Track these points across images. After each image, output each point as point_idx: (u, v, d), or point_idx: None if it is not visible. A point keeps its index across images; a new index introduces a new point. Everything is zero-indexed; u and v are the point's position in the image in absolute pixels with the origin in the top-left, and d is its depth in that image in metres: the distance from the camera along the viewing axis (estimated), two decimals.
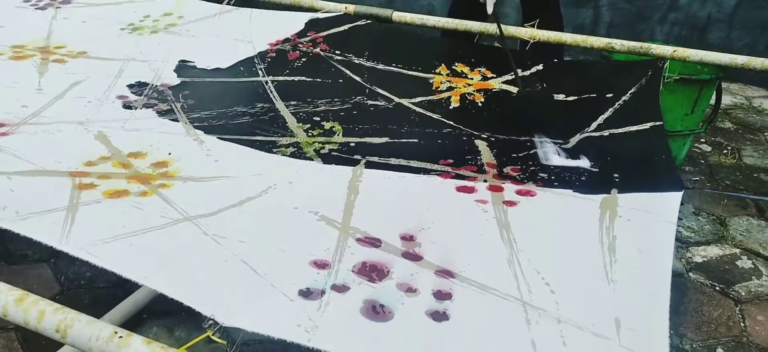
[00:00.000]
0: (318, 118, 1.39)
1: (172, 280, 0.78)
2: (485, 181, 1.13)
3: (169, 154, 1.18)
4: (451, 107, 1.50)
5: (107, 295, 1.39)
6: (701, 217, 1.86)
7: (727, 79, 2.81)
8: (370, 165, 1.20)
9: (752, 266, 1.65)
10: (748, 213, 1.89)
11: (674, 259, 1.69)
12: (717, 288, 1.57)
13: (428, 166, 1.21)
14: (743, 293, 1.54)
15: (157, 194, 0.99)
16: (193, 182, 1.09)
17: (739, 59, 1.56)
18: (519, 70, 1.60)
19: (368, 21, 1.80)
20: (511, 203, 1.04)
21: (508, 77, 1.60)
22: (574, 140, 1.34)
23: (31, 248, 1.53)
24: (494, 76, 1.62)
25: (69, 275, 1.47)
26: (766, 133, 2.48)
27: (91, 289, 1.43)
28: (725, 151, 2.30)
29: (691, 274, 1.62)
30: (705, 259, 1.69)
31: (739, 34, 2.94)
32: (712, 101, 2.00)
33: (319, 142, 1.29)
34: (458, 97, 1.55)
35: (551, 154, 1.26)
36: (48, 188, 0.94)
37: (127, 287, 1.37)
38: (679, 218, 1.86)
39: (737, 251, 1.72)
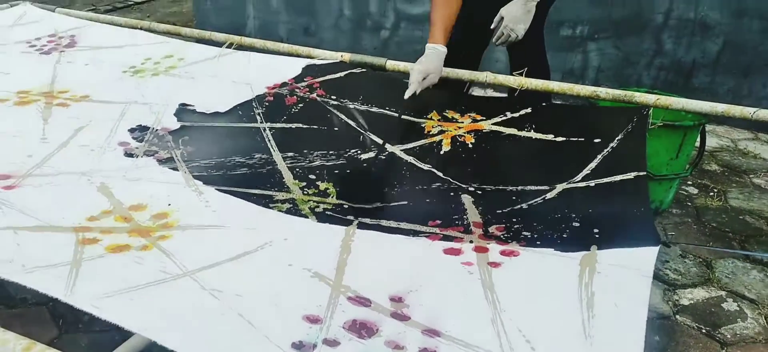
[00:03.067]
0: (313, 177, 1.42)
1: (171, 330, 0.82)
2: (471, 241, 1.17)
3: (169, 204, 1.22)
4: (442, 152, 1.55)
5: (104, 339, 1.41)
6: (688, 260, 1.90)
7: (712, 122, 2.88)
8: (362, 226, 1.24)
9: (737, 309, 1.69)
10: (733, 256, 1.93)
11: (662, 302, 1.74)
12: (703, 331, 1.60)
13: (417, 228, 1.25)
14: (729, 336, 1.58)
15: (157, 247, 1.03)
16: (192, 234, 1.13)
17: (719, 107, 1.62)
18: (507, 112, 1.65)
19: (363, 69, 1.87)
20: (495, 264, 1.08)
21: (498, 119, 1.65)
22: (559, 188, 1.39)
23: (30, 292, 1.55)
24: (484, 118, 1.67)
25: (67, 319, 1.49)
26: (751, 176, 2.54)
27: (89, 332, 1.45)
28: (711, 194, 2.35)
29: (678, 316, 1.65)
30: (691, 301, 1.72)
31: (723, 78, 3.03)
32: (698, 145, 2.06)
33: (313, 201, 1.33)
34: (449, 140, 1.60)
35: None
36: (53, 243, 0.98)
37: (124, 331, 1.39)
38: (666, 261, 1.91)
39: (723, 293, 1.76)
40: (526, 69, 1.83)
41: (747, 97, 3.03)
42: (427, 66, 1.70)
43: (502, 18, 1.86)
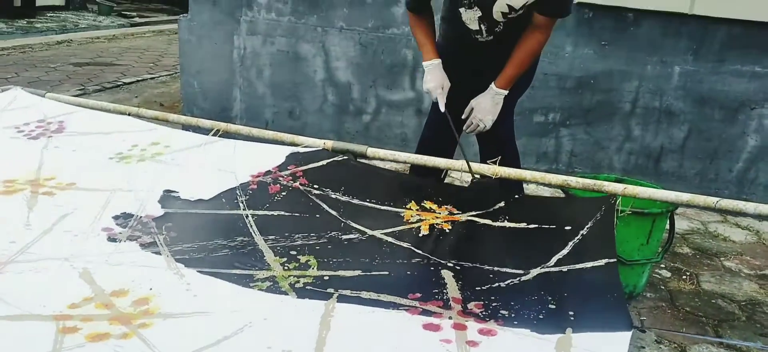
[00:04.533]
0: (294, 252, 1.46)
1: None
2: (450, 317, 1.20)
3: (150, 289, 1.23)
4: (420, 235, 1.59)
5: None
6: (663, 345, 1.93)
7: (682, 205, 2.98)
8: (342, 299, 1.26)
9: None
10: (707, 341, 1.97)
11: None
12: None
13: (397, 300, 1.27)
14: None
15: (138, 335, 1.04)
16: (172, 320, 1.14)
17: (684, 197, 1.69)
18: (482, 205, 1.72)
19: (345, 156, 1.93)
20: (473, 344, 1.11)
21: (474, 213, 1.71)
22: (534, 272, 1.43)
23: None
24: (460, 212, 1.73)
25: None
26: (722, 259, 2.61)
27: None
28: (684, 277, 2.41)
29: None
30: None
31: (690, 163, 3.17)
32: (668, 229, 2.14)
33: (294, 276, 1.36)
34: (427, 227, 1.65)
35: None
36: (32, 333, 0.99)
37: None
38: (642, 347, 1.93)
39: None
40: (499, 158, 1.92)
41: (714, 180, 3.17)
42: (440, 80, 1.97)
43: (472, 109, 1.98)
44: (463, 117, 2.01)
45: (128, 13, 10.24)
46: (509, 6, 1.85)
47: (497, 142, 2.08)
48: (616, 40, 3.08)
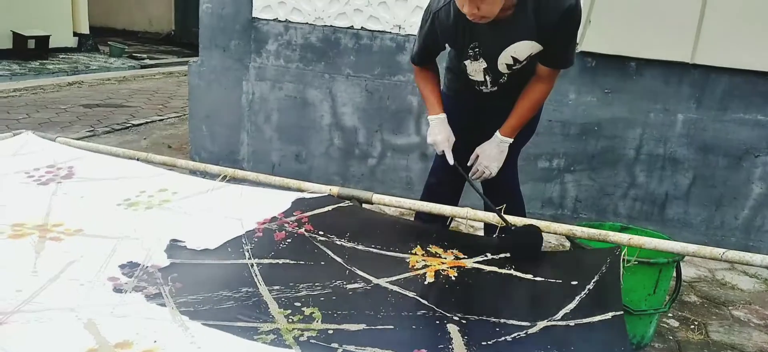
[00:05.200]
0: (299, 304, 1.46)
1: None
2: None
3: (155, 342, 1.23)
4: (426, 282, 1.59)
5: None
6: None
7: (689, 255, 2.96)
8: None
9: None
10: None
11: None
12: None
13: None
14: None
15: None
16: None
17: (690, 248, 1.68)
18: (488, 253, 1.72)
19: (350, 202, 1.94)
20: None
21: (480, 258, 1.71)
22: (540, 325, 1.42)
23: None
24: (466, 257, 1.73)
25: None
26: (730, 308, 2.58)
27: None
28: (692, 327, 2.38)
29: None
30: None
31: (696, 210, 3.16)
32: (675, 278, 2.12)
33: (298, 330, 1.35)
34: (433, 273, 1.65)
35: None
36: None
37: None
38: None
39: None
40: (504, 206, 1.93)
41: (720, 227, 3.15)
42: (445, 134, 2.02)
43: (477, 156, 2.00)
44: (468, 164, 2.04)
45: (139, 54, 10.43)
46: (514, 58, 1.88)
47: (501, 191, 2.10)
48: (620, 88, 3.11)
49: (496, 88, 2.01)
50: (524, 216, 1.97)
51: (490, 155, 1.99)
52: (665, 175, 3.16)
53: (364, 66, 3.51)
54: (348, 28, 3.49)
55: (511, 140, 1.98)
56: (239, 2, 3.64)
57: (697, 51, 2.93)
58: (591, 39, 3.05)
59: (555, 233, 1.83)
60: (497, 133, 1.97)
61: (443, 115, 2.04)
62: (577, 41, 3.06)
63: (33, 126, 5.12)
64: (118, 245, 1.65)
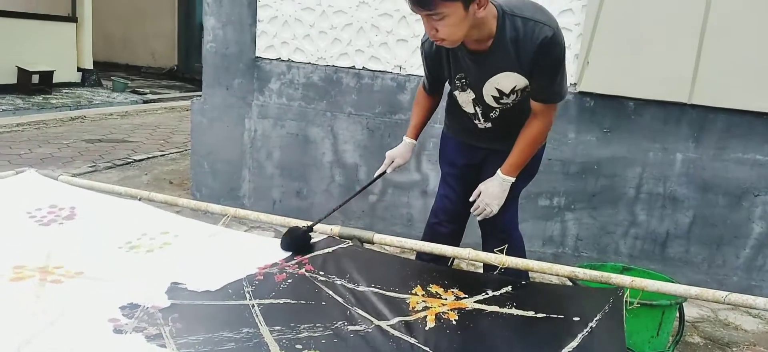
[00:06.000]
0: (300, 346, 1.45)
1: None
2: None
3: None
4: (427, 328, 1.58)
5: None
6: None
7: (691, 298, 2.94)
8: None
9: None
10: None
11: None
12: None
13: None
14: None
15: None
16: None
17: (693, 290, 1.68)
18: (489, 290, 1.72)
19: (351, 243, 1.94)
20: None
21: (480, 297, 1.70)
22: None
23: None
24: (466, 296, 1.72)
25: None
26: (734, 349, 2.56)
27: None
28: None
29: None
30: None
31: (697, 248, 3.15)
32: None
33: None
34: (433, 317, 1.63)
35: None
36: None
37: None
38: None
39: None
40: (506, 246, 1.93)
41: (721, 267, 3.14)
42: (395, 153, 2.20)
43: (480, 192, 2.01)
44: (471, 199, 2.04)
45: (141, 89, 10.53)
46: (498, 90, 1.90)
47: (501, 232, 2.10)
48: (618, 127, 3.14)
49: (490, 124, 2.03)
50: (524, 257, 1.97)
51: (492, 193, 2.00)
52: (666, 213, 3.16)
53: (366, 104, 3.55)
54: (350, 67, 3.54)
55: (512, 179, 1.99)
56: (243, 42, 3.70)
57: (694, 91, 2.97)
58: (589, 79, 3.09)
59: (557, 275, 1.83)
60: (499, 172, 1.98)
61: (409, 140, 2.20)
62: (576, 81, 3.11)
63: (35, 161, 5.14)
64: (118, 287, 1.65)
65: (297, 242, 1.92)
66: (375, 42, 3.46)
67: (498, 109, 1.98)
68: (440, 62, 1.98)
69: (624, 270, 2.33)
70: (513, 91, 1.89)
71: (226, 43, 3.74)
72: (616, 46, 3.03)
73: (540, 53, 1.77)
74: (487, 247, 2.12)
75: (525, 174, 2.07)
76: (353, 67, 3.54)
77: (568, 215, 3.28)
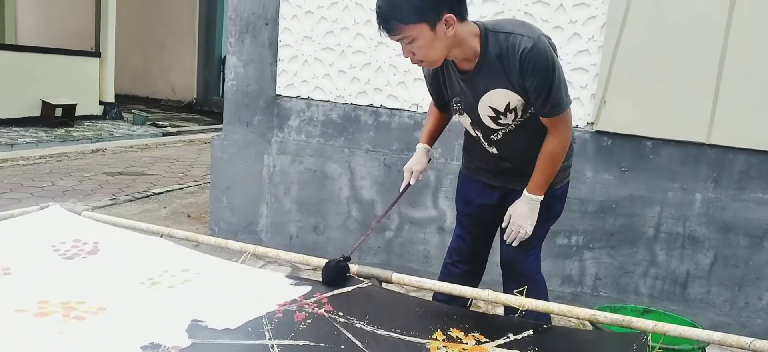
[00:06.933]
0: None
1: None
2: None
3: None
4: None
5: None
6: None
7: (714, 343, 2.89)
8: None
9: None
10: None
11: None
12: None
13: None
14: None
15: None
16: None
17: (716, 336, 1.65)
18: (510, 334, 1.70)
19: (370, 282, 1.95)
20: None
21: (502, 341, 1.69)
22: None
23: None
24: (487, 340, 1.71)
25: None
26: None
27: None
28: None
29: None
30: None
31: (718, 290, 3.10)
32: None
33: None
34: None
35: None
36: None
37: None
38: None
39: None
40: (525, 288, 1.91)
41: (744, 308, 3.08)
42: (412, 163, 2.20)
43: (510, 216, 1.99)
44: (502, 225, 2.03)
45: (161, 122, 10.73)
46: (493, 108, 1.90)
47: (525, 278, 2.08)
48: (636, 167, 3.13)
49: (495, 149, 2.03)
50: (547, 300, 1.96)
51: (522, 214, 1.98)
52: (686, 254, 3.12)
53: (383, 141, 3.59)
54: (368, 105, 3.59)
55: (540, 197, 1.97)
56: (263, 80, 3.77)
57: (712, 131, 2.96)
58: (606, 119, 3.10)
59: (577, 318, 1.82)
60: (525, 192, 1.97)
61: (421, 146, 2.22)
62: (593, 120, 3.12)
63: (57, 194, 5.24)
64: (139, 325, 1.66)
65: (340, 273, 1.93)
66: (393, 81, 3.51)
67: (499, 132, 1.97)
68: (438, 86, 2.03)
69: (645, 312, 2.30)
70: (508, 109, 1.89)
71: (248, 81, 3.82)
72: (633, 86, 3.04)
73: (523, 65, 1.77)
74: (508, 290, 2.11)
75: (548, 216, 2.06)
76: (371, 105, 3.59)
77: (586, 254, 3.26)
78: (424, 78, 2.11)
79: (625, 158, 3.15)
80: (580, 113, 3.19)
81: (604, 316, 1.80)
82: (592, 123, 3.14)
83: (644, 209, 3.14)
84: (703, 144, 3.00)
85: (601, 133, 3.14)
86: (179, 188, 5.75)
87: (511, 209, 2.00)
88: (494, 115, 1.92)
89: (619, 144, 3.14)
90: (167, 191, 5.58)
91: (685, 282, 3.14)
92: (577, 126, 3.20)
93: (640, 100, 3.04)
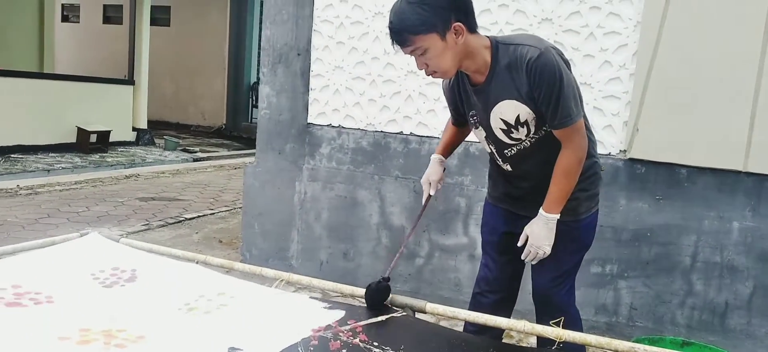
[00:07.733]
0: None
1: None
2: None
3: None
4: None
5: None
6: None
7: None
8: None
9: None
10: None
11: None
12: None
13: None
14: None
15: None
16: None
17: None
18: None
19: (404, 312, 1.95)
20: None
21: None
22: None
23: None
24: None
25: None
26: None
27: None
28: None
29: None
30: None
31: (759, 321, 3.01)
32: None
33: None
34: None
35: None
36: None
37: None
38: None
39: None
40: (562, 319, 1.89)
41: None
42: (427, 175, 2.24)
43: (527, 237, 1.97)
44: (519, 244, 2.01)
45: (191, 148, 10.95)
46: (504, 121, 1.90)
47: (558, 312, 2.05)
48: (671, 195, 3.08)
49: (509, 166, 2.02)
50: (581, 332, 1.93)
51: (539, 234, 1.95)
52: (724, 283, 3.05)
53: (413, 168, 3.61)
54: (397, 133, 3.62)
55: (556, 216, 1.93)
56: (295, 109, 3.84)
57: (749, 159, 2.91)
58: (639, 147, 3.07)
59: (615, 351, 1.78)
60: (541, 211, 1.94)
61: (436, 156, 2.26)
62: (625, 148, 3.09)
63: (92, 219, 5.37)
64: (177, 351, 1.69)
65: (381, 295, 1.97)
66: (423, 109, 3.54)
67: (513, 148, 1.97)
68: (455, 100, 2.07)
69: (684, 344, 2.25)
70: (519, 122, 1.89)
71: (280, 110, 3.89)
72: (666, 113, 3.01)
73: (530, 74, 1.79)
74: (542, 324, 2.08)
75: (578, 246, 2.04)
76: (401, 133, 3.61)
77: (621, 283, 3.20)
78: (444, 93, 2.17)
79: (659, 186, 3.10)
80: (613, 141, 3.16)
81: (643, 349, 1.76)
82: (625, 150, 3.11)
83: (680, 237, 3.08)
84: (739, 172, 2.94)
85: (634, 160, 3.11)
86: (210, 213, 5.84)
87: (527, 229, 1.98)
88: (506, 128, 1.93)
89: (652, 172, 3.10)
90: (199, 216, 5.67)
91: (724, 313, 3.06)
92: (609, 154, 3.17)
93: (673, 127, 3.00)
